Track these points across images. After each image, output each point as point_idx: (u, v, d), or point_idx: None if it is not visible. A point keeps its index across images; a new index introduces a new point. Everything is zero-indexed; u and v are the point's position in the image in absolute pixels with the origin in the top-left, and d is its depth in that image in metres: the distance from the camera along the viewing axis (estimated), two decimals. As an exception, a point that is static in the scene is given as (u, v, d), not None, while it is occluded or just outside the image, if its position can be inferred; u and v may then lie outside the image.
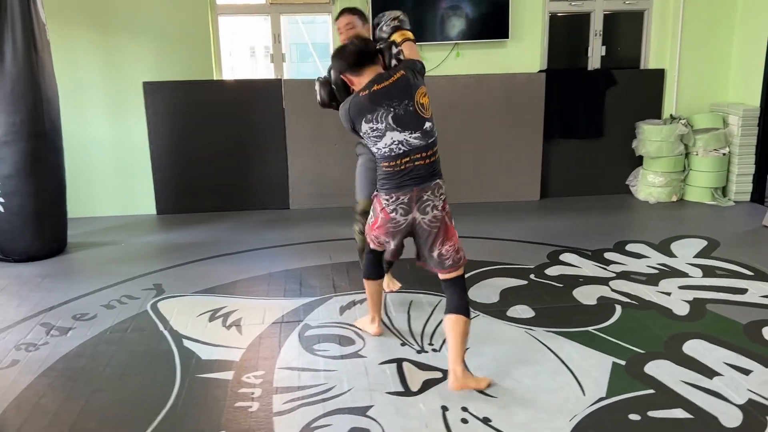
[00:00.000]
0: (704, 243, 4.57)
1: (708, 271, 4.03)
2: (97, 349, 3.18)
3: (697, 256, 4.33)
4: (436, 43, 5.51)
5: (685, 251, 4.41)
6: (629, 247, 4.51)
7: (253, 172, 5.57)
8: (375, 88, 2.65)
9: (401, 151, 2.64)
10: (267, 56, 5.72)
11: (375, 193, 2.83)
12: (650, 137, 5.57)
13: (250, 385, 2.83)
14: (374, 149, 2.71)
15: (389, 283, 3.74)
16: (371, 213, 2.89)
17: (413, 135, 2.63)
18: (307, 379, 2.86)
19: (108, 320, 3.51)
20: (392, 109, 2.61)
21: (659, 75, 5.79)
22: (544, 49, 5.72)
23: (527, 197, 5.81)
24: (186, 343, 3.23)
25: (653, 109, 5.82)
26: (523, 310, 3.52)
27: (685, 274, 4.00)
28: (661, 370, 2.86)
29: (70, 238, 4.88)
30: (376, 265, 3.12)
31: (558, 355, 3.03)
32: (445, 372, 2.86)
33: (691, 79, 5.75)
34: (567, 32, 5.88)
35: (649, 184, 5.70)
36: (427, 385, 2.80)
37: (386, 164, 2.68)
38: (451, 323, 2.74)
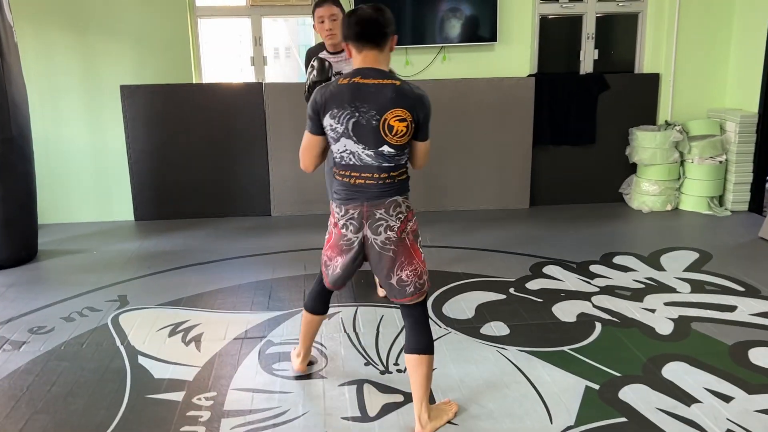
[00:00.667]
0: (696, 255, 4.38)
1: (697, 287, 3.85)
2: (47, 366, 3.04)
3: (687, 269, 4.14)
4: (421, 46, 5.34)
5: (675, 264, 4.22)
6: (617, 260, 4.33)
7: (234, 178, 5.43)
8: (357, 80, 2.26)
9: (351, 162, 2.33)
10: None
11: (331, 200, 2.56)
12: (644, 144, 5.39)
13: (200, 407, 2.67)
14: (332, 148, 2.41)
15: (380, 287, 3.71)
16: (328, 228, 2.57)
17: (366, 152, 2.29)
18: (261, 402, 2.71)
19: (65, 334, 3.37)
20: (357, 114, 2.25)
21: (654, 79, 5.60)
22: (535, 52, 5.55)
23: (516, 205, 5.64)
24: (141, 360, 3.08)
25: (648, 115, 5.63)
26: (497, 327, 3.35)
27: (672, 290, 3.81)
28: (636, 395, 2.69)
29: (43, 245, 4.77)
30: (322, 298, 2.77)
31: (528, 378, 2.86)
32: (406, 395, 2.71)
33: (687, 84, 5.56)
34: (558, 35, 5.70)
35: (642, 193, 5.51)
36: (386, 409, 2.64)
37: (336, 171, 2.41)
38: (415, 364, 2.44)
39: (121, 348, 3.21)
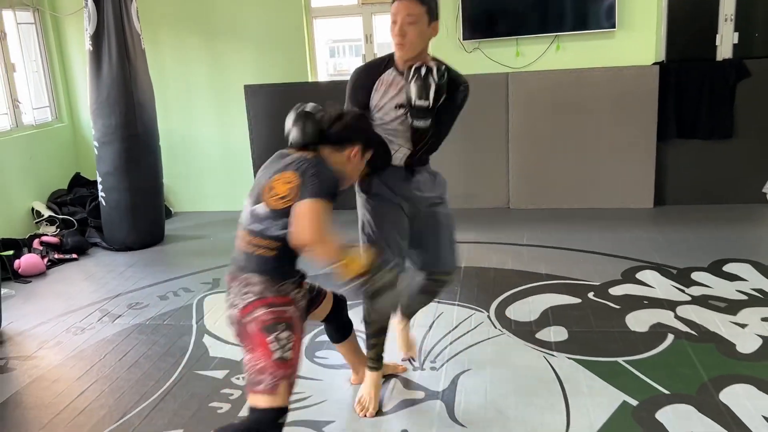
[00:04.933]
0: (831, 267, 3.79)
1: (813, 302, 3.33)
2: (128, 338, 3.40)
3: (810, 282, 3.60)
4: (533, 36, 5.12)
5: (799, 276, 3.68)
6: (728, 267, 3.86)
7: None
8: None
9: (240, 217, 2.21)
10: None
11: None
12: (791, 138, 4.74)
13: (235, 386, 2.85)
14: None
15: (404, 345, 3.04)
16: None
17: (247, 205, 2.17)
18: (288, 387, 2.82)
19: (155, 310, 3.74)
20: (262, 173, 2.21)
21: (808, 64, 4.89)
22: (662, 38, 5.07)
23: (638, 204, 5.20)
24: (205, 339, 3.34)
25: (799, 105, 4.93)
26: (556, 333, 3.16)
27: (780, 304, 3.34)
28: (677, 417, 2.42)
29: (171, 230, 5.29)
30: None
31: (564, 387, 2.68)
32: (428, 392, 2.68)
33: None
34: (689, 18, 5.15)
35: (788, 193, 4.84)
36: (401, 405, 2.63)
37: None
38: None
39: (194, 327, 3.49)
